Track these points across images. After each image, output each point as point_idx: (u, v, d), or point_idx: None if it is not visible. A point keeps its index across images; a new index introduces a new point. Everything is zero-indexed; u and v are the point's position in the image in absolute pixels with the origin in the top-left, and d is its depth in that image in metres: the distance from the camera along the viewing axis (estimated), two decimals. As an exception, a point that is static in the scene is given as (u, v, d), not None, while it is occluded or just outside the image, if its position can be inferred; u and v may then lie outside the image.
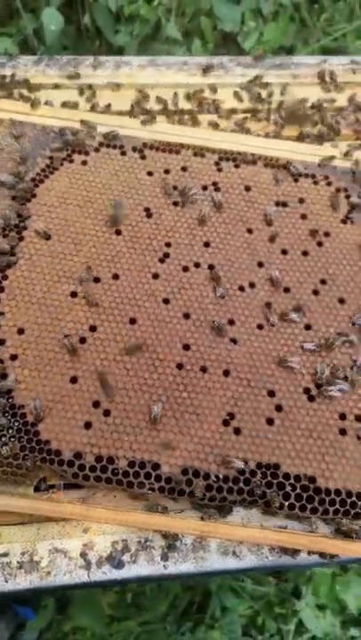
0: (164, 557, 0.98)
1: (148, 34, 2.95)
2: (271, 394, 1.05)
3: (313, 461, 1.00)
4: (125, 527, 0.99)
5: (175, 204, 1.21)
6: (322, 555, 0.96)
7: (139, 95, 1.42)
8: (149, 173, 1.24)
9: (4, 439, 0.97)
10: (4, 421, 0.97)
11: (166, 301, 1.12)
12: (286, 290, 1.15)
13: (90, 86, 1.42)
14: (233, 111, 1.41)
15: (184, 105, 1.42)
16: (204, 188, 1.24)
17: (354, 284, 1.16)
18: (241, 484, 0.98)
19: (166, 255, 1.16)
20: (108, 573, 0.97)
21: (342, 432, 1.03)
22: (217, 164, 1.28)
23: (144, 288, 1.12)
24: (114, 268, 1.13)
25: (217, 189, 1.25)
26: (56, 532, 0.99)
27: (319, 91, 1.50)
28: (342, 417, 1.04)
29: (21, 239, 1.13)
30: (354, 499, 0.98)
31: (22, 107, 1.29)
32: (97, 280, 1.12)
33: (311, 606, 2.33)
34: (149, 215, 1.20)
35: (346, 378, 1.05)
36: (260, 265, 1.17)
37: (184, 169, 1.26)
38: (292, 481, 0.98)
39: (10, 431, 0.97)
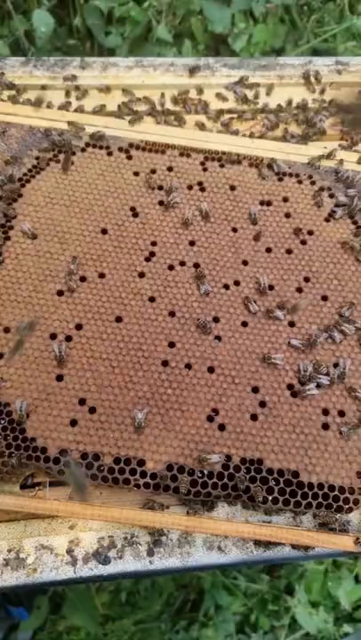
0: (150, 553, 0.99)
1: (138, 35, 2.96)
2: (255, 390, 1.06)
3: (296, 456, 1.01)
4: (111, 523, 1.00)
5: (161, 203, 1.23)
6: (295, 547, 0.97)
7: (126, 96, 1.43)
8: (135, 173, 1.26)
9: (-11, 437, 0.98)
10: (-10, 419, 0.98)
11: (152, 300, 1.13)
12: (271, 287, 1.16)
13: (77, 87, 1.43)
14: (219, 112, 1.43)
15: (171, 106, 1.43)
16: (190, 187, 1.26)
17: (337, 281, 1.17)
18: (225, 480, 0.99)
19: (152, 254, 1.17)
20: (95, 569, 0.98)
21: (325, 427, 1.04)
22: (202, 163, 1.29)
23: (130, 287, 1.13)
24: (100, 267, 1.15)
25: (202, 189, 1.26)
26: (42, 529, 0.99)
27: (304, 91, 1.52)
28: (325, 412, 1.05)
29: (7, 239, 1.14)
30: (336, 492, 1.00)
31: (9, 107, 1.30)
32: (83, 279, 1.13)
33: (304, 603, 2.35)
34: (135, 215, 1.21)
35: (328, 374, 1.06)
36: (245, 263, 1.19)
37: (170, 169, 1.27)
38: (275, 475, 1.00)
39: (-5, 429, 0.98)
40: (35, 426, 1.00)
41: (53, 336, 1.07)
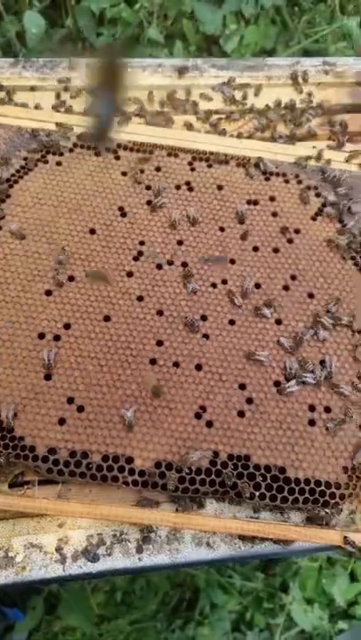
0: (139, 550, 1.00)
1: (130, 36, 2.97)
2: (242, 387, 1.07)
3: (283, 452, 1.02)
4: (100, 521, 1.01)
5: (149, 202, 1.24)
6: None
7: (114, 97, 1.44)
8: (123, 173, 1.27)
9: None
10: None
11: (140, 299, 1.14)
12: (257, 286, 1.18)
13: (66, 88, 1.43)
14: (207, 112, 1.44)
15: (159, 106, 1.44)
16: (178, 187, 1.27)
17: (323, 279, 1.19)
18: (213, 476, 1.00)
19: (140, 253, 1.18)
20: (84, 567, 0.99)
21: (311, 423, 1.05)
22: (190, 163, 1.30)
23: (118, 286, 1.14)
24: (88, 267, 1.15)
25: (190, 189, 1.27)
26: (31, 528, 1.00)
27: (292, 92, 1.53)
28: (311, 408, 1.06)
29: (-4, 239, 1.15)
30: (323, 487, 1.01)
31: (-2, 109, 1.31)
32: (71, 279, 1.14)
33: (299, 600, 2.36)
34: (124, 214, 1.22)
35: (313, 371, 1.08)
36: (233, 262, 1.20)
37: (158, 169, 1.28)
38: (262, 471, 1.01)
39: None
40: (23, 425, 1.01)
41: (42, 335, 1.08)
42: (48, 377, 1.04)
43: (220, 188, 1.28)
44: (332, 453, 1.03)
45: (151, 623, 2.34)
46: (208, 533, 1.01)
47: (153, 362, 1.08)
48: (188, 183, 1.27)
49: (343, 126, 1.43)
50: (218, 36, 3.03)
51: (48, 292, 1.12)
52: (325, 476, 1.02)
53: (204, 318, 1.13)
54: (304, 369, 1.08)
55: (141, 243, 1.19)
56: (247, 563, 2.35)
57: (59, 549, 0.99)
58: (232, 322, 1.13)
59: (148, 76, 1.52)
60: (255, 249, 1.22)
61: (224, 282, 1.17)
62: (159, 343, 1.10)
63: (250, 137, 1.42)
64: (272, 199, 1.27)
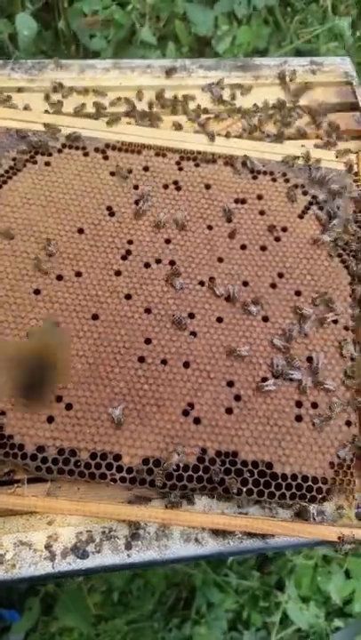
0: (128, 546, 1.01)
1: (123, 38, 2.98)
2: (230, 384, 1.08)
3: (270, 448, 1.03)
4: (90, 518, 1.01)
5: (137, 202, 1.24)
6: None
7: (102, 97, 1.45)
8: (112, 173, 1.27)
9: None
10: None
11: (128, 297, 1.14)
12: (245, 283, 1.18)
13: (55, 89, 1.44)
14: (195, 112, 1.45)
15: (147, 107, 1.45)
16: (166, 186, 1.28)
17: (310, 276, 1.20)
18: (201, 472, 1.01)
19: (128, 252, 1.19)
20: (73, 564, 0.99)
21: (298, 419, 1.06)
22: (178, 163, 1.31)
23: (106, 285, 1.15)
24: (76, 266, 1.16)
25: (178, 188, 1.28)
26: (21, 525, 1.00)
27: (279, 91, 1.54)
28: (298, 404, 1.07)
29: (-15, 239, 1.16)
30: (310, 483, 1.02)
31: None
32: (60, 278, 1.15)
33: (295, 599, 2.36)
34: (112, 214, 1.23)
35: (299, 368, 1.08)
36: (220, 260, 1.21)
37: (146, 169, 1.29)
38: (250, 467, 1.02)
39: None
40: (12, 423, 1.01)
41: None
42: (36, 375, 1.05)
43: (207, 187, 1.29)
44: (319, 449, 1.04)
45: (148, 623, 2.34)
46: (197, 529, 1.02)
47: (141, 359, 1.08)
48: (175, 182, 1.28)
49: (334, 127, 1.43)
50: (210, 37, 3.05)
51: (37, 292, 1.12)
52: (312, 471, 1.02)
53: (191, 316, 1.14)
54: (291, 365, 1.09)
55: (130, 242, 1.20)
56: (245, 560, 2.35)
57: (48, 547, 0.99)
58: (220, 319, 1.14)
59: (136, 77, 1.53)
60: (243, 247, 1.23)
61: (212, 280, 1.18)
62: (147, 341, 1.10)
63: (238, 136, 1.43)
64: (260, 197, 1.28)
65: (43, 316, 1.10)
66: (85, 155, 1.29)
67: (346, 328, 1.16)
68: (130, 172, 1.28)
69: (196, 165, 1.31)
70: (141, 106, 1.45)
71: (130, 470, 1.00)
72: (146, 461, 1.01)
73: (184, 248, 1.21)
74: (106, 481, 1.00)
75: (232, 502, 1.02)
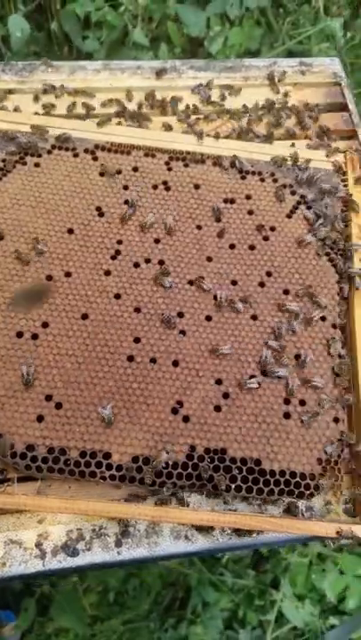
0: (118, 544, 1.01)
1: (115, 39, 2.99)
2: (219, 382, 1.09)
3: (258, 444, 1.04)
4: (80, 516, 1.02)
5: (126, 202, 1.25)
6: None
7: (92, 99, 1.46)
8: (101, 174, 1.28)
9: None
10: None
11: (118, 296, 1.15)
12: (234, 282, 1.20)
13: (45, 91, 1.45)
14: (185, 113, 1.46)
15: (137, 108, 1.46)
16: (155, 187, 1.29)
17: (298, 275, 1.21)
18: (190, 470, 1.02)
19: (118, 252, 1.20)
20: (63, 562, 1.00)
21: (286, 416, 1.07)
22: (167, 163, 1.32)
23: (96, 284, 1.16)
24: (66, 266, 1.17)
25: (167, 188, 1.29)
26: (11, 524, 1.01)
27: (269, 92, 1.56)
28: (286, 401, 1.08)
29: (-26, 240, 1.16)
30: (298, 479, 1.03)
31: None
32: (49, 278, 1.15)
33: (290, 597, 2.37)
34: (101, 214, 1.24)
35: (286, 365, 1.09)
36: (209, 259, 1.22)
37: (135, 169, 1.30)
38: (238, 464, 1.03)
39: None
40: (2, 422, 1.02)
41: (20, 334, 1.09)
42: (26, 375, 1.06)
43: (196, 187, 1.30)
44: (307, 445, 1.05)
45: (144, 623, 2.34)
46: (186, 526, 1.03)
47: (130, 358, 1.09)
48: (165, 183, 1.29)
49: (325, 128, 1.45)
50: (203, 38, 3.06)
51: (26, 292, 1.13)
52: (300, 467, 1.03)
53: (180, 315, 1.15)
54: (279, 363, 1.10)
55: (119, 242, 1.21)
56: (240, 559, 2.36)
57: (38, 545, 1.00)
58: (209, 318, 1.15)
59: (127, 78, 1.54)
60: (232, 246, 1.24)
61: (201, 279, 1.19)
62: (137, 340, 1.11)
63: (227, 137, 1.44)
64: (248, 197, 1.30)
65: (32, 316, 1.11)
66: (75, 156, 1.30)
67: (334, 326, 1.17)
68: (119, 172, 1.29)
69: (186, 166, 1.32)
70: (131, 107, 1.46)
71: (119, 468, 1.01)
72: (135, 459, 1.02)
73: (173, 248, 1.22)
74: (95, 479, 1.00)
75: (221, 499, 1.03)
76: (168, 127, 1.42)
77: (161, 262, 1.20)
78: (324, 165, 1.36)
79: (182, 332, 1.13)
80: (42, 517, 1.02)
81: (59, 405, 1.04)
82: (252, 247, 1.24)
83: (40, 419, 1.03)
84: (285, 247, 1.24)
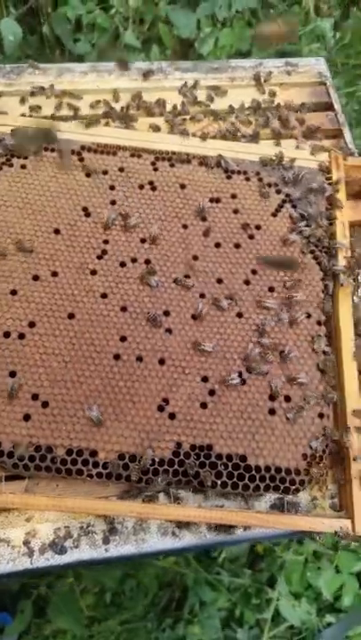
0: (106, 541, 1.02)
1: (107, 42, 3.01)
2: (205, 379, 1.10)
3: (244, 440, 1.05)
4: (68, 514, 1.02)
5: (113, 202, 1.26)
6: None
7: (79, 100, 1.47)
8: (87, 175, 1.29)
9: None
10: None
11: (104, 296, 1.16)
12: (219, 280, 1.21)
13: (32, 93, 1.46)
14: (172, 114, 1.47)
15: (124, 109, 1.47)
16: (141, 187, 1.30)
17: (283, 272, 1.22)
18: (176, 466, 1.02)
19: (104, 252, 1.21)
20: (51, 559, 1.00)
21: (272, 412, 1.08)
22: (153, 163, 1.33)
23: (82, 284, 1.17)
24: (53, 266, 1.18)
25: (153, 188, 1.30)
26: (-1, 522, 1.02)
27: (255, 92, 1.57)
28: (272, 398, 1.09)
29: None
30: (283, 474, 1.04)
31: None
32: (36, 278, 1.16)
33: (286, 595, 2.37)
34: (88, 214, 1.25)
35: (271, 362, 1.10)
36: (195, 258, 1.23)
37: (121, 169, 1.31)
38: (224, 460, 1.03)
39: None
40: (-12, 422, 1.02)
41: (7, 334, 1.10)
42: (13, 374, 1.06)
43: (182, 186, 1.31)
44: (293, 441, 1.06)
45: (141, 623, 2.35)
46: (173, 523, 1.03)
47: (117, 357, 1.10)
48: (151, 183, 1.30)
49: (314, 129, 1.46)
50: (193, 40, 3.08)
51: (13, 292, 1.14)
52: (285, 462, 1.04)
53: (167, 313, 1.16)
54: (265, 360, 1.11)
55: (105, 241, 1.22)
56: (236, 558, 2.36)
57: (26, 543, 1.01)
58: (195, 316, 1.16)
59: (114, 80, 1.55)
60: (217, 245, 1.25)
61: (186, 277, 1.20)
62: (123, 339, 1.12)
63: (214, 137, 1.45)
64: (233, 196, 1.31)
65: (19, 316, 1.12)
66: (61, 157, 1.30)
67: (319, 323, 1.18)
68: (105, 172, 1.30)
69: (171, 166, 1.33)
70: (118, 108, 1.47)
71: (106, 466, 1.01)
72: (122, 457, 1.02)
73: (159, 247, 1.23)
74: (82, 477, 1.01)
75: (207, 495, 1.04)
76: (155, 128, 1.43)
77: (147, 261, 1.21)
78: (309, 164, 1.37)
79: (169, 331, 1.14)
80: (29, 515, 1.03)
81: (45, 404, 1.05)
82: (237, 245, 1.25)
83: (27, 417, 1.04)
84: (270, 245, 1.25)
